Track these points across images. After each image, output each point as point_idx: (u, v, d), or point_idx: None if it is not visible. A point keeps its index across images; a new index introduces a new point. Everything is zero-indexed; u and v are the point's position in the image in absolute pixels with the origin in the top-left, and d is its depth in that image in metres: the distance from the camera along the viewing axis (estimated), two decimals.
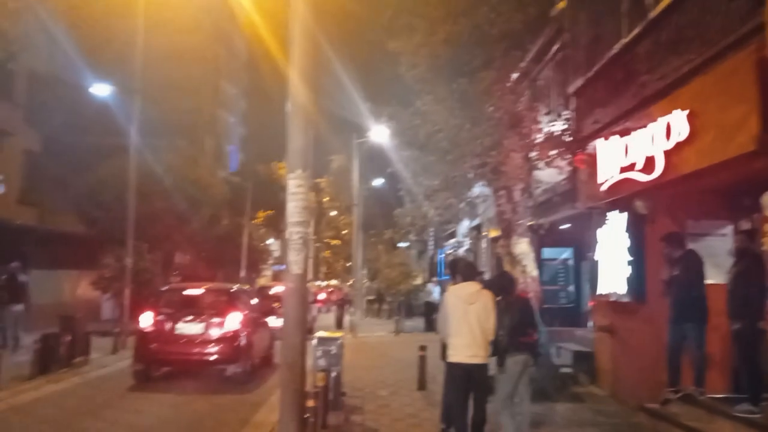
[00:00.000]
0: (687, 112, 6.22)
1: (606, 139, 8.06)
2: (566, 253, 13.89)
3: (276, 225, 35.63)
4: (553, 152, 9.35)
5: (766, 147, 5.18)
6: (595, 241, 9.12)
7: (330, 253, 51.27)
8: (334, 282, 51.99)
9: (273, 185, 31.19)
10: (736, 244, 6.78)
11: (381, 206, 30.75)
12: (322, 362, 7.77)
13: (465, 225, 20.98)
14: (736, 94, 5.54)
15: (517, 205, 9.79)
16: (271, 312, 13.95)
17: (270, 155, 36.01)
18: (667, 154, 6.56)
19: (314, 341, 7.99)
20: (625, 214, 8.18)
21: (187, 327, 10.32)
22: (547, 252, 13.50)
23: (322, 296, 36.37)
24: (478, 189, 12.65)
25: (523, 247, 9.63)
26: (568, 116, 9.98)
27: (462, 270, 6.37)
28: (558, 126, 9.74)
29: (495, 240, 13.48)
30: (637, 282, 8.02)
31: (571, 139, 9.39)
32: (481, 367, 6.03)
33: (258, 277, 38.49)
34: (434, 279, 26.94)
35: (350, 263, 34.29)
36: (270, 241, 39.33)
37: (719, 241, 7.47)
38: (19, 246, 17.51)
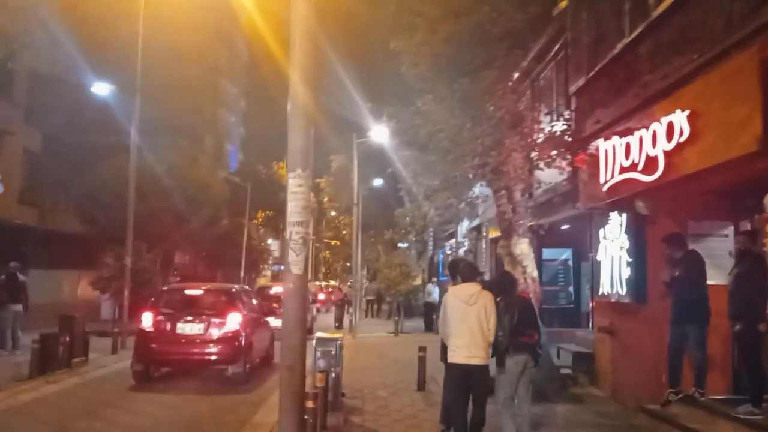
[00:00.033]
0: (689, 112, 6.18)
1: (607, 139, 8.02)
2: (566, 254, 13.87)
3: (276, 225, 35.63)
4: (554, 152, 9.32)
5: None
6: (596, 242, 9.09)
7: (329, 253, 51.30)
8: (333, 282, 51.98)
9: (273, 185, 31.21)
10: (737, 245, 6.75)
11: (381, 206, 30.70)
12: (321, 363, 7.75)
13: (465, 225, 20.96)
14: (739, 94, 5.50)
15: (517, 206, 9.75)
16: (271, 312, 13.92)
17: (270, 155, 36.06)
18: (669, 154, 6.53)
19: (314, 342, 7.96)
20: (626, 215, 8.15)
21: (188, 327, 10.32)
22: (547, 252, 13.47)
23: (321, 296, 36.33)
24: (479, 189, 12.61)
25: (523, 247, 9.60)
26: (569, 116, 9.95)
27: (462, 271, 6.35)
28: (559, 126, 9.71)
29: (495, 240, 13.46)
30: (637, 283, 7.99)
31: (572, 139, 9.35)
32: (481, 368, 6.01)
33: (257, 277, 38.48)
34: (434, 279, 26.92)
35: (350, 263, 34.27)
36: (270, 241, 39.31)
37: (720, 242, 7.44)
38: (19, 246, 17.52)
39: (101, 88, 19.09)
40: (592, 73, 9.11)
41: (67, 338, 11.41)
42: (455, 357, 6.00)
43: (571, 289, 13.66)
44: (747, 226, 6.97)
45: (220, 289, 12.56)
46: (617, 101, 8.14)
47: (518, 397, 6.23)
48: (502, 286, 6.61)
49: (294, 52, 5.90)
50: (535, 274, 9.68)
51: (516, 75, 10.64)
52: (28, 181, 20.85)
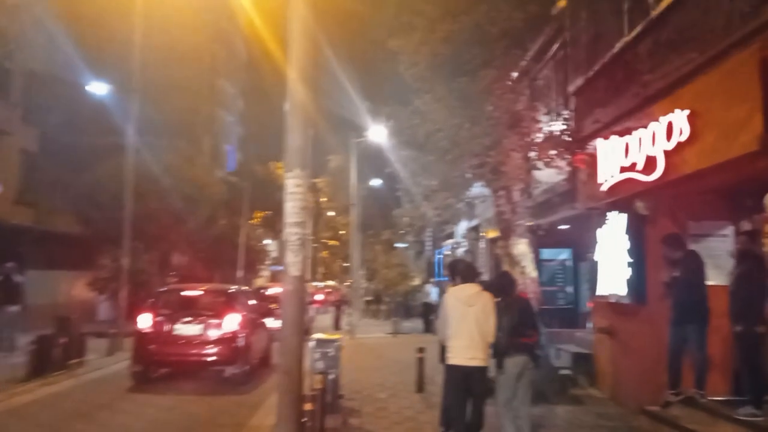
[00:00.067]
0: (689, 111, 6.16)
1: (606, 138, 7.99)
2: (564, 254, 13.86)
3: (273, 225, 35.53)
4: (553, 152, 9.29)
5: None
6: (595, 242, 9.05)
7: (327, 253, 51.25)
8: (331, 282, 51.93)
9: (271, 185, 31.10)
10: (737, 245, 6.71)
11: (379, 206, 30.70)
12: (319, 365, 7.70)
13: (463, 226, 20.92)
14: (739, 93, 5.47)
15: (516, 206, 9.73)
16: (269, 313, 13.88)
17: (268, 155, 35.93)
18: (669, 154, 6.50)
19: (312, 343, 7.92)
20: (625, 215, 8.12)
21: (186, 328, 10.29)
22: (546, 253, 13.45)
23: (319, 297, 36.28)
24: (477, 189, 12.58)
25: (522, 248, 9.57)
26: (567, 116, 9.92)
27: (461, 271, 6.31)
28: (558, 125, 9.68)
29: (494, 241, 13.42)
30: (637, 283, 7.96)
31: (571, 138, 9.32)
32: (481, 370, 5.97)
33: (255, 278, 38.40)
34: (432, 280, 26.88)
35: (348, 264, 34.23)
36: (267, 241, 39.23)
37: (720, 242, 7.41)
38: (15, 246, 17.40)
39: (98, 88, 19.02)
40: (591, 73, 9.08)
41: (64, 340, 11.35)
42: (455, 358, 5.96)
43: (569, 289, 13.65)
44: (747, 226, 6.93)
45: (218, 290, 12.52)
46: (616, 101, 8.11)
47: (518, 398, 6.19)
48: (501, 286, 6.58)
49: (292, 51, 5.86)
50: (534, 274, 9.66)
51: (515, 74, 10.61)
52: (24, 182, 20.74)
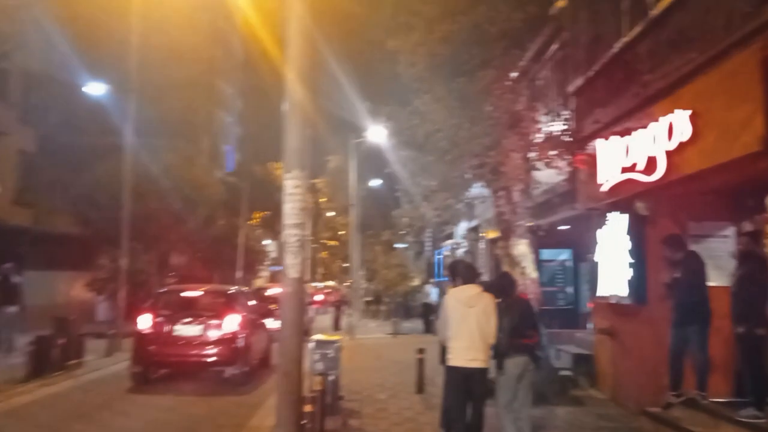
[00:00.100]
0: (689, 111, 6.12)
1: (606, 139, 7.96)
2: (564, 255, 13.83)
3: (273, 225, 35.46)
4: (553, 152, 9.25)
5: None
6: (595, 242, 9.02)
7: (327, 253, 51.19)
8: (331, 283, 51.89)
9: (270, 185, 31.03)
10: (739, 246, 6.68)
11: (378, 207, 30.68)
12: (319, 366, 7.66)
13: (463, 226, 20.90)
14: (741, 93, 5.44)
15: (516, 206, 9.69)
16: (269, 314, 13.85)
17: (267, 155, 35.83)
18: (669, 154, 6.47)
19: (312, 345, 7.89)
20: (626, 216, 8.09)
21: (186, 329, 10.29)
22: (545, 253, 13.42)
23: (319, 297, 36.23)
24: (477, 190, 12.54)
25: (522, 248, 9.54)
26: (567, 116, 9.89)
27: (462, 272, 6.27)
28: (557, 126, 9.65)
29: (494, 241, 13.39)
30: (638, 284, 7.93)
31: (571, 139, 9.29)
32: (481, 371, 5.93)
33: (255, 278, 38.34)
34: (432, 280, 26.86)
35: (347, 264, 34.19)
36: (267, 242, 39.17)
37: (721, 243, 7.39)
38: (14, 247, 17.37)
39: (96, 88, 18.97)
40: (590, 73, 9.05)
41: (62, 340, 11.31)
42: (455, 360, 5.93)
43: (569, 289, 13.62)
44: (748, 227, 6.90)
45: (218, 290, 12.52)
46: (616, 101, 8.08)
47: (518, 400, 6.16)
48: (502, 287, 6.55)
49: (289, 50, 5.83)
50: (535, 275, 9.62)
51: (514, 75, 10.57)
52: (23, 182, 20.70)
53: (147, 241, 19.31)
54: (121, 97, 17.84)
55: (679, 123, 6.22)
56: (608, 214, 8.51)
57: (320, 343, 7.96)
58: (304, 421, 5.56)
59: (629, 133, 7.31)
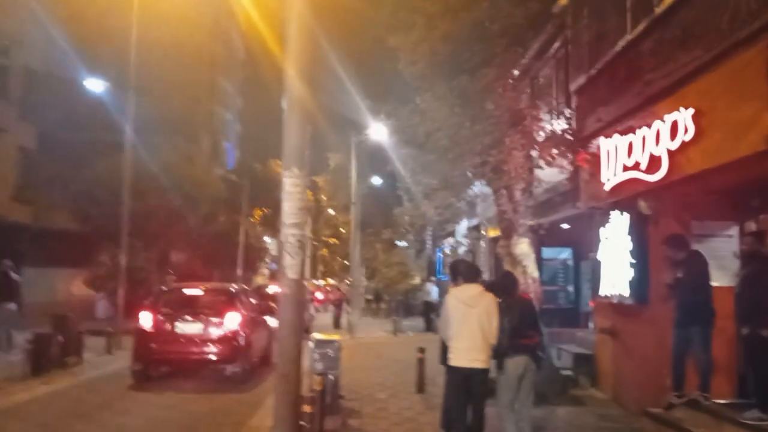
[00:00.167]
0: (693, 110, 6.07)
1: (609, 137, 7.90)
2: (565, 254, 13.77)
3: (273, 223, 35.40)
4: (555, 151, 9.19)
5: None
6: (596, 241, 8.96)
7: (327, 251, 51.16)
8: (331, 281, 51.87)
9: (270, 183, 30.99)
10: (744, 246, 6.63)
11: (379, 205, 30.61)
12: (319, 365, 7.61)
13: (464, 225, 20.84)
14: (747, 91, 5.38)
15: (517, 205, 9.63)
16: (269, 311, 13.82)
17: (267, 152, 35.77)
18: (673, 153, 6.41)
19: (311, 344, 7.84)
20: (628, 215, 8.02)
21: (187, 326, 10.28)
22: (547, 252, 13.36)
23: (319, 295, 36.20)
24: (478, 188, 12.48)
25: (523, 247, 9.48)
26: (570, 114, 9.82)
27: (463, 272, 6.21)
28: (560, 124, 9.58)
29: (495, 240, 13.33)
30: (640, 284, 7.85)
31: (573, 137, 9.23)
32: (482, 372, 5.88)
33: (255, 276, 38.30)
34: (432, 278, 26.82)
35: (348, 262, 34.15)
36: (267, 239, 39.13)
37: (724, 243, 7.34)
38: (13, 244, 17.32)
39: (95, 85, 18.91)
40: (593, 71, 8.98)
41: (61, 338, 11.27)
42: (456, 360, 5.88)
43: (570, 288, 13.56)
44: (753, 227, 6.84)
45: (219, 288, 12.48)
46: (619, 99, 8.01)
47: (519, 400, 6.11)
48: (503, 287, 6.50)
49: (290, 48, 5.76)
50: (536, 274, 9.57)
51: (515, 73, 10.49)
52: (22, 179, 20.67)
53: (147, 238, 19.27)
54: (121, 94, 17.78)
55: (683, 122, 6.16)
56: (610, 214, 8.44)
57: (320, 343, 7.91)
58: (303, 423, 5.51)
59: (632, 132, 7.24)
